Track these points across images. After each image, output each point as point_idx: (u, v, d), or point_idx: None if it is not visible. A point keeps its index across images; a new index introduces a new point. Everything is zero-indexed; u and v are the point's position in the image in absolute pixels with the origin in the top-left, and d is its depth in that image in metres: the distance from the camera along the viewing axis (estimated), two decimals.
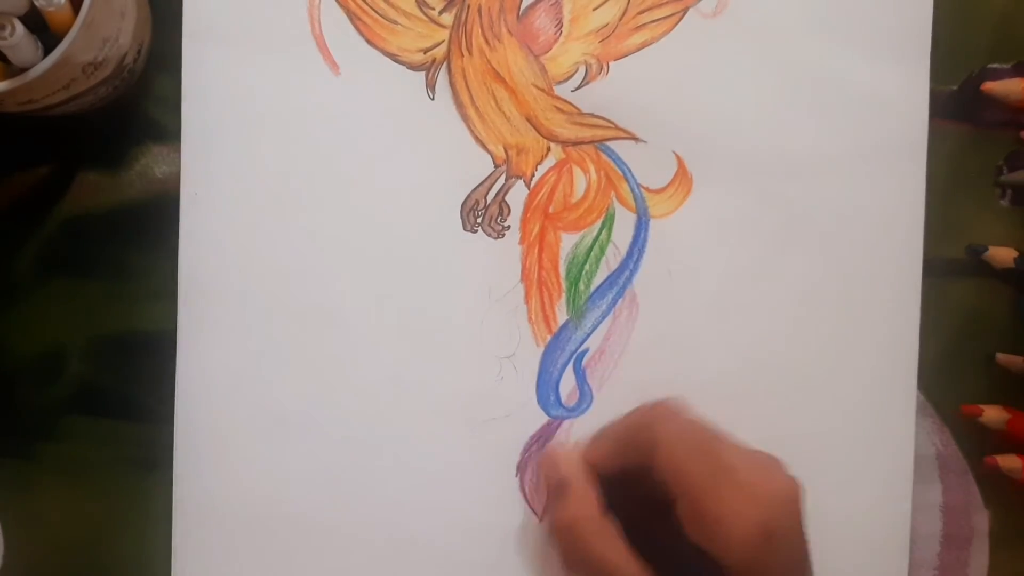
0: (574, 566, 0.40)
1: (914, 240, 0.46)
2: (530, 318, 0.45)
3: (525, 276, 0.45)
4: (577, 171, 0.45)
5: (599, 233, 0.45)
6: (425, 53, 0.45)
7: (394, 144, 0.45)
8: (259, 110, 0.44)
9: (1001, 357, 0.46)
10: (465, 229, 0.45)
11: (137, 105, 0.45)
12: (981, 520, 0.47)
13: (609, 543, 0.39)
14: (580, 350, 0.45)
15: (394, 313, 0.45)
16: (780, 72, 0.45)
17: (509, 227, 0.45)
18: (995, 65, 0.47)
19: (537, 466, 0.45)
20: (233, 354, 0.44)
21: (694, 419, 0.40)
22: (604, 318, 0.45)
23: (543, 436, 0.45)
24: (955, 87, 0.47)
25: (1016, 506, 0.46)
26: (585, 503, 0.40)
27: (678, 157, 0.45)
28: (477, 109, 0.45)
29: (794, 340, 0.45)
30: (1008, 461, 0.45)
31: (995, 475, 0.46)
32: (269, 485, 0.44)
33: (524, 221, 0.45)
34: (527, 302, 0.45)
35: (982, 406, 0.46)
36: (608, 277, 0.45)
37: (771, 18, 0.45)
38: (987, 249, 0.46)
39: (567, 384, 0.45)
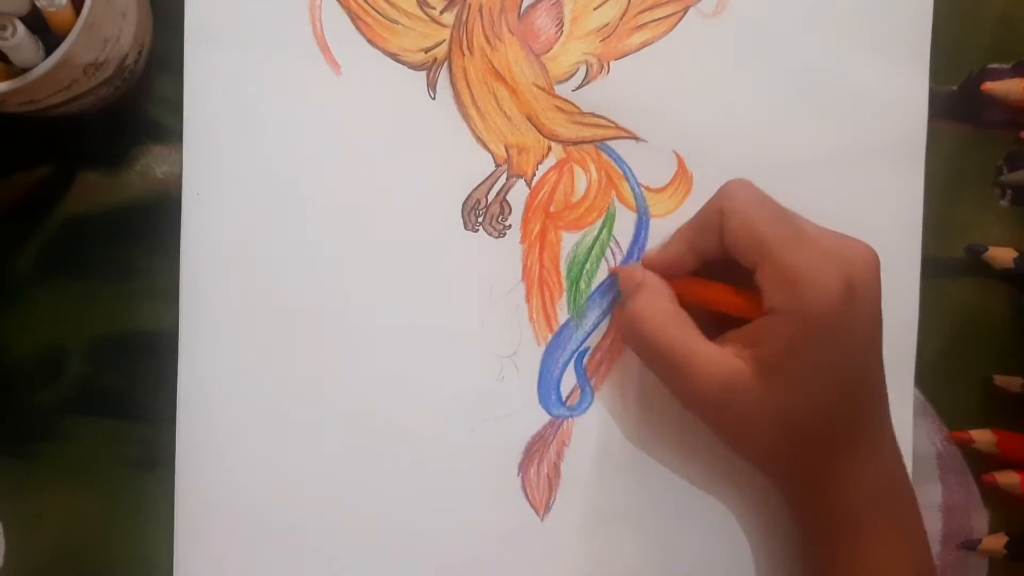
0: (649, 357, 0.40)
1: (913, 240, 0.46)
2: (531, 317, 0.45)
3: (526, 275, 0.45)
4: (578, 170, 0.45)
5: (600, 232, 0.45)
6: (426, 53, 0.45)
7: (395, 144, 0.45)
8: (260, 110, 0.44)
9: (999, 379, 0.46)
10: (466, 228, 0.45)
11: (138, 106, 0.45)
12: (981, 520, 0.46)
13: (683, 330, 0.39)
14: (581, 349, 0.45)
15: (395, 312, 0.45)
16: (780, 72, 0.45)
17: (510, 226, 0.45)
18: (995, 65, 0.47)
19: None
20: (234, 354, 0.44)
21: (766, 194, 0.40)
22: (605, 317, 0.45)
23: (544, 435, 0.45)
24: (955, 87, 0.47)
25: (1016, 506, 0.46)
26: (658, 296, 0.40)
27: (678, 156, 0.45)
28: (478, 108, 0.45)
29: None
30: (1006, 477, 0.45)
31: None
32: (270, 484, 0.44)
33: (525, 220, 0.45)
34: (528, 301, 0.45)
35: (971, 432, 0.46)
36: (608, 276, 0.45)
37: (771, 18, 0.45)
38: (987, 249, 0.46)
39: (568, 383, 0.45)
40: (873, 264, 0.39)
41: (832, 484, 0.39)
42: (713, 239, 0.40)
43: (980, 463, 0.46)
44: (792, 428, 0.38)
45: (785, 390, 0.37)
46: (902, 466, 0.40)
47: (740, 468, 0.42)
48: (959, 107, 0.47)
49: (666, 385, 0.40)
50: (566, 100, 0.45)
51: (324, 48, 0.44)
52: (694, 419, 0.40)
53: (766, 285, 0.38)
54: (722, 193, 0.40)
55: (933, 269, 0.46)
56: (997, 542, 0.46)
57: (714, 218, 0.40)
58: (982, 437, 0.46)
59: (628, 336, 0.41)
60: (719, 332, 0.40)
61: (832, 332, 0.37)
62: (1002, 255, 0.46)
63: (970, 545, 0.46)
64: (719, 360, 0.38)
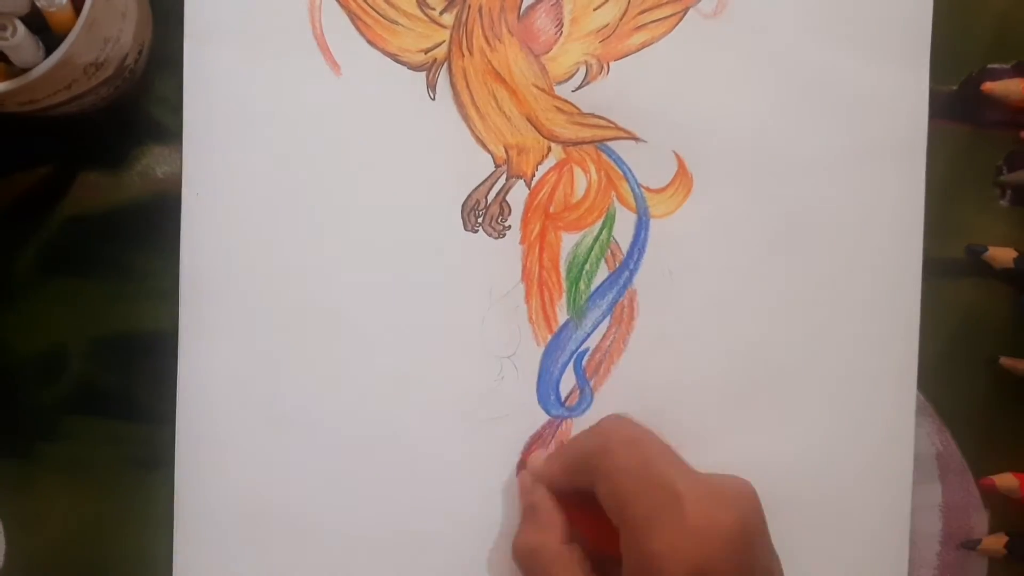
0: None
1: (914, 240, 0.46)
2: (531, 318, 0.45)
3: (526, 276, 0.45)
4: (577, 171, 0.45)
5: (599, 233, 0.45)
6: (426, 53, 0.45)
7: (395, 144, 0.45)
8: (260, 110, 0.44)
9: (1005, 361, 0.46)
10: (466, 229, 0.45)
11: (138, 105, 0.45)
12: (981, 520, 0.46)
13: (569, 573, 0.39)
14: (580, 349, 0.45)
15: (395, 313, 0.45)
16: (780, 72, 0.45)
17: (510, 227, 0.45)
18: (995, 65, 0.47)
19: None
20: (234, 354, 0.44)
21: (645, 445, 0.39)
22: (604, 318, 0.45)
23: (543, 436, 0.45)
24: (955, 87, 0.47)
25: (1015, 506, 0.46)
26: (549, 531, 0.40)
27: (678, 157, 0.45)
28: (478, 109, 0.45)
29: (794, 340, 0.45)
30: (1005, 481, 0.45)
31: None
32: (270, 484, 0.44)
33: (525, 221, 0.45)
34: (528, 302, 0.45)
35: (993, 478, 0.46)
36: (608, 277, 0.45)
37: (771, 18, 0.45)
38: (987, 249, 0.46)
39: (567, 384, 0.45)
40: (737, 542, 0.37)
41: None
42: (586, 482, 0.40)
43: (981, 449, 0.46)
44: None
45: None
46: None
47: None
48: (959, 107, 0.46)
49: None
50: (566, 101, 0.45)
51: (324, 48, 0.44)
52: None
53: (626, 555, 0.37)
54: (599, 446, 0.40)
55: (933, 269, 0.46)
56: (997, 542, 0.46)
57: (588, 467, 0.40)
58: (1006, 482, 0.46)
59: (521, 566, 0.41)
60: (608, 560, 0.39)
61: None
62: (1002, 255, 0.46)
63: (970, 545, 0.46)
64: None
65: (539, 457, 0.44)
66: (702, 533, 0.37)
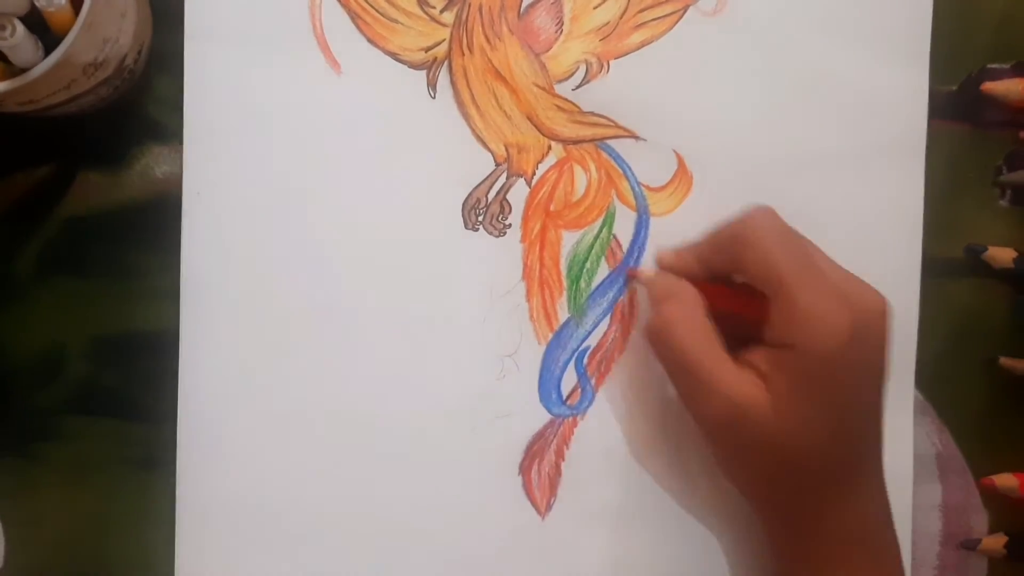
0: (672, 367, 0.40)
1: (913, 240, 0.46)
2: (531, 316, 0.45)
3: (526, 274, 0.45)
4: (578, 169, 0.45)
5: (600, 231, 0.45)
6: (426, 52, 0.45)
7: (395, 143, 0.45)
8: (260, 110, 0.44)
9: (1005, 361, 0.46)
10: (466, 227, 0.45)
11: (138, 105, 0.45)
12: (981, 520, 0.46)
13: (708, 346, 0.39)
14: (582, 348, 0.45)
15: (395, 312, 0.45)
16: (780, 71, 0.45)
17: (510, 225, 0.45)
18: (995, 65, 0.47)
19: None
20: (235, 353, 0.44)
21: (790, 227, 0.40)
22: (605, 316, 0.45)
23: (545, 435, 0.45)
24: (955, 87, 0.47)
25: (1015, 506, 0.46)
26: (689, 305, 0.40)
27: (678, 155, 0.45)
28: (478, 108, 0.45)
29: None
30: (1004, 480, 0.45)
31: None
32: (271, 484, 0.44)
33: (525, 219, 0.45)
34: (528, 300, 0.45)
35: (993, 478, 0.46)
36: (609, 275, 0.45)
37: (771, 17, 0.45)
38: (986, 249, 0.46)
39: (569, 382, 0.45)
40: (883, 312, 0.39)
41: (812, 516, 0.39)
42: (727, 261, 0.40)
43: (981, 449, 0.46)
44: (787, 461, 0.38)
45: (789, 424, 0.38)
46: (886, 510, 0.40)
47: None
48: (959, 107, 0.47)
49: (682, 396, 0.40)
50: (566, 99, 0.45)
51: (324, 47, 0.44)
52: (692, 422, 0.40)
53: (779, 319, 0.38)
54: (743, 221, 0.40)
55: (933, 269, 0.46)
56: (997, 542, 0.46)
57: (731, 243, 0.40)
58: (1005, 481, 0.46)
59: (657, 343, 0.40)
60: (745, 343, 0.39)
61: (834, 375, 0.37)
62: (1002, 255, 0.46)
63: (970, 545, 0.46)
64: (738, 385, 0.38)
65: (667, 252, 0.43)
66: (851, 300, 0.38)
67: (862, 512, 0.39)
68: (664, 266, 0.43)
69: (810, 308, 0.37)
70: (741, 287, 0.41)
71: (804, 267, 0.38)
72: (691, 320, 0.40)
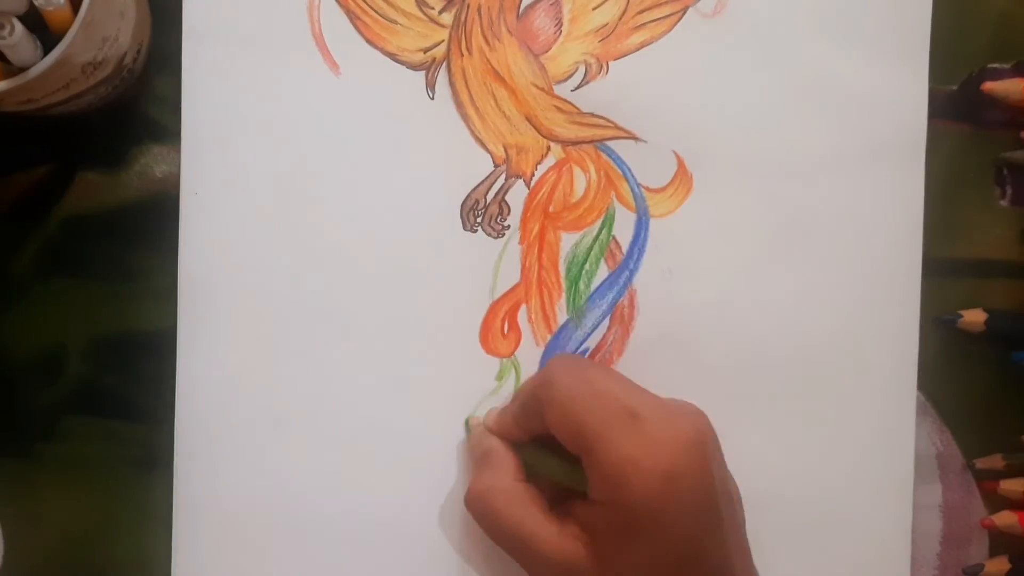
0: (493, 535, 0.40)
1: (913, 240, 0.46)
2: (530, 318, 0.45)
3: (525, 276, 0.45)
4: (577, 170, 0.45)
5: (599, 232, 0.45)
6: (425, 53, 0.45)
7: (394, 144, 0.44)
8: (259, 110, 0.44)
9: None
10: (465, 229, 0.45)
11: (137, 105, 0.45)
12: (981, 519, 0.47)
13: (525, 509, 0.39)
14: (580, 349, 0.45)
15: (394, 312, 0.45)
16: (780, 72, 0.45)
17: (509, 226, 0.45)
18: (995, 65, 0.47)
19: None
20: (233, 354, 0.44)
21: (590, 370, 0.39)
22: (604, 317, 0.45)
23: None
24: (955, 87, 0.47)
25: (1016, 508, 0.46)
26: (502, 471, 0.40)
27: (678, 156, 0.45)
28: (477, 109, 0.45)
29: (794, 340, 0.45)
30: (1005, 519, 0.45)
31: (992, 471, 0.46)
32: (269, 485, 0.44)
33: (524, 220, 0.45)
34: (527, 302, 0.45)
35: (993, 517, 0.46)
36: (608, 277, 0.45)
37: (771, 18, 0.45)
38: (961, 316, 0.46)
39: None
40: (697, 446, 0.37)
41: None
42: (537, 423, 0.40)
43: (981, 449, 0.46)
44: None
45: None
46: None
47: None
48: (959, 107, 0.46)
49: (515, 560, 0.40)
50: (565, 100, 0.45)
51: (323, 48, 0.44)
52: None
53: (591, 475, 0.37)
54: (542, 381, 0.40)
55: (933, 269, 0.46)
56: (1000, 566, 0.46)
57: (535, 404, 0.39)
58: (1004, 520, 0.46)
59: (473, 512, 0.40)
60: (566, 496, 0.39)
61: (653, 523, 0.36)
62: (974, 317, 0.46)
63: (972, 572, 0.46)
64: (558, 545, 0.38)
65: (489, 414, 0.43)
66: (664, 441, 0.37)
67: None
68: (489, 427, 0.42)
69: (617, 464, 0.36)
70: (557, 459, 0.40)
71: (608, 420, 0.37)
72: (503, 487, 0.40)
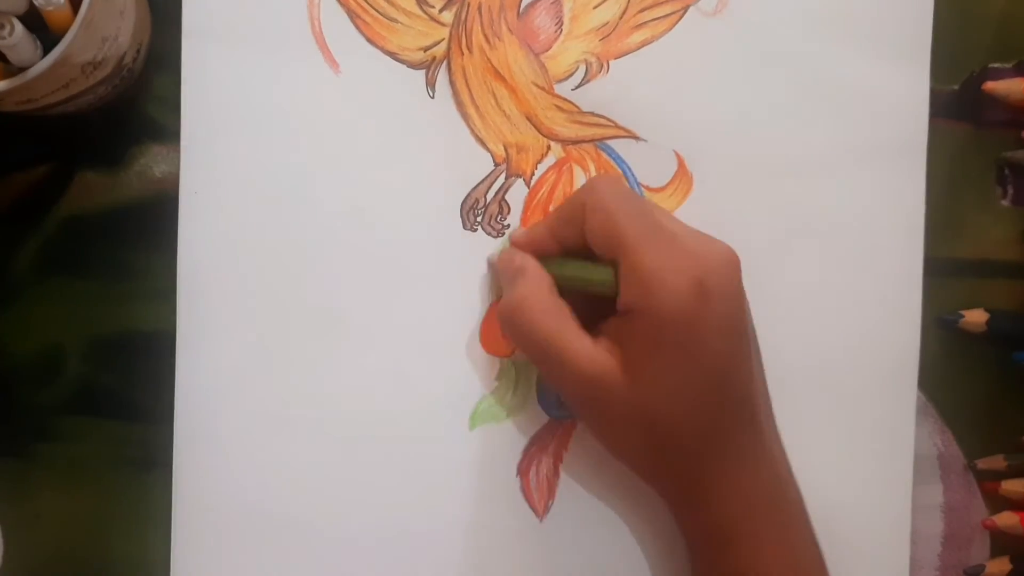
0: (525, 346, 0.40)
1: (915, 239, 0.46)
2: None
3: None
4: (577, 170, 0.45)
5: None
6: (425, 51, 0.45)
7: (394, 143, 0.44)
8: (259, 109, 0.44)
9: None
10: (465, 228, 0.45)
11: (136, 105, 0.45)
12: (981, 520, 0.46)
13: (559, 320, 0.39)
14: None
15: (394, 312, 0.44)
16: (780, 71, 0.45)
17: (509, 226, 0.45)
18: (996, 65, 0.47)
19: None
20: (233, 354, 0.44)
21: (628, 188, 0.40)
22: None
23: (543, 437, 0.45)
24: (956, 87, 0.47)
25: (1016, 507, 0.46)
26: (537, 284, 0.40)
27: (678, 156, 0.45)
28: (477, 108, 0.45)
29: (794, 340, 0.45)
30: (1006, 519, 0.45)
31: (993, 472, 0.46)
32: (268, 485, 0.44)
33: (524, 220, 0.45)
34: None
35: (995, 518, 0.46)
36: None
37: (771, 17, 0.45)
38: (963, 316, 0.46)
39: None
40: (730, 266, 0.38)
41: (706, 493, 0.38)
42: (575, 232, 0.40)
43: (982, 449, 0.46)
44: (654, 430, 0.38)
45: (647, 390, 0.37)
46: (784, 477, 0.40)
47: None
48: (960, 107, 0.46)
49: (544, 376, 0.40)
50: (565, 99, 0.45)
51: (323, 47, 0.44)
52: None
53: (624, 283, 0.38)
54: (586, 187, 0.40)
55: (934, 269, 0.46)
56: (1001, 567, 0.46)
57: (577, 211, 0.40)
58: (1005, 520, 0.46)
59: (507, 325, 0.40)
60: (599, 317, 0.39)
61: (684, 334, 0.37)
62: (975, 317, 0.46)
63: (974, 572, 0.46)
64: (591, 356, 0.38)
65: (520, 230, 0.43)
66: (699, 255, 0.38)
67: (755, 482, 0.39)
68: (517, 244, 0.42)
69: (652, 269, 0.37)
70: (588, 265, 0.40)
71: (647, 228, 0.38)
72: (539, 298, 0.39)
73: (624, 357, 0.38)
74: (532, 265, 0.41)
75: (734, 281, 0.38)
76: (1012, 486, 0.45)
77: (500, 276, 0.43)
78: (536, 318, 0.39)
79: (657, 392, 0.37)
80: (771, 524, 0.39)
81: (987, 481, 0.46)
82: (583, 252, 0.40)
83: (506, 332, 0.41)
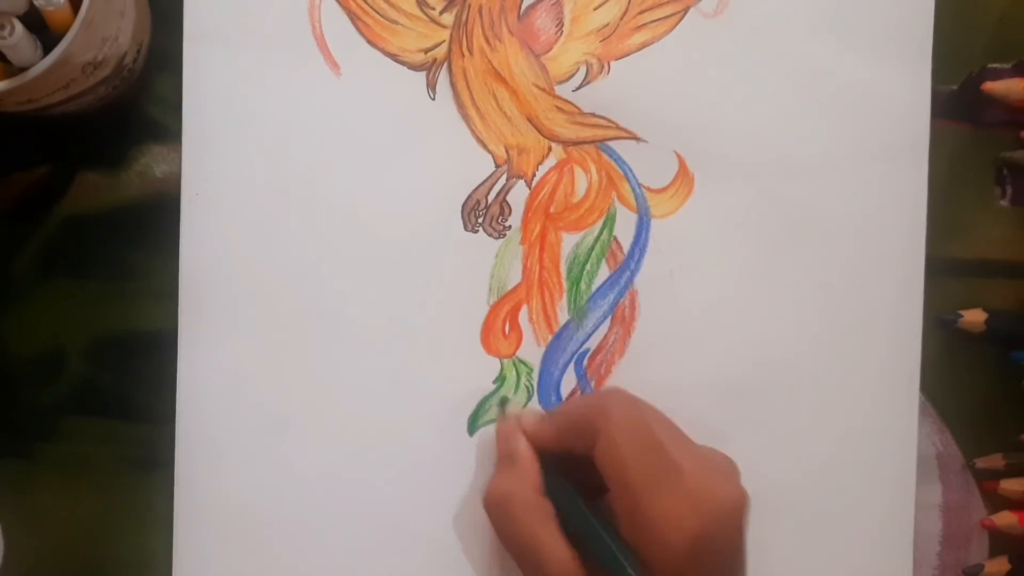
0: (505, 541, 0.40)
1: (915, 240, 0.46)
2: (531, 318, 0.45)
3: (526, 276, 0.45)
4: (578, 171, 0.45)
5: (600, 233, 0.45)
6: (426, 53, 0.45)
7: (395, 144, 0.44)
8: (260, 110, 0.44)
9: None
10: (466, 229, 0.45)
11: (137, 105, 0.45)
12: (980, 520, 0.47)
13: (542, 524, 0.39)
14: (581, 350, 0.45)
15: (395, 313, 0.45)
16: (781, 72, 0.45)
17: (510, 227, 0.45)
18: (996, 65, 0.47)
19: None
20: (234, 354, 0.44)
21: (645, 412, 0.39)
22: (605, 318, 0.45)
23: None
24: (956, 87, 0.47)
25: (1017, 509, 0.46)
26: (526, 480, 0.40)
27: (679, 157, 0.45)
28: (478, 109, 0.45)
29: (795, 340, 0.45)
30: (1004, 519, 0.46)
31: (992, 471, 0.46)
32: (269, 485, 0.44)
33: (525, 221, 0.45)
34: (528, 302, 0.45)
35: (993, 517, 0.46)
36: (609, 277, 0.45)
37: (772, 18, 0.45)
38: (961, 316, 0.46)
39: (568, 384, 0.45)
40: (734, 515, 0.38)
41: None
42: (581, 446, 0.39)
43: (981, 449, 0.46)
44: None
45: None
46: None
47: None
48: (960, 107, 0.46)
49: (520, 570, 0.40)
50: (566, 100, 0.45)
51: (323, 48, 0.44)
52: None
53: (625, 519, 0.37)
54: (600, 407, 0.39)
55: (933, 268, 0.46)
56: (1000, 567, 0.46)
57: (588, 430, 0.39)
58: (1004, 520, 0.46)
59: (491, 513, 0.41)
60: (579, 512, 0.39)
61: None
62: (974, 317, 0.46)
63: (972, 572, 0.46)
64: (567, 567, 0.38)
65: (529, 415, 0.43)
66: (702, 503, 0.37)
67: None
68: (526, 429, 0.42)
69: (655, 516, 0.36)
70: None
71: (654, 466, 0.37)
72: (525, 495, 0.39)
73: None
74: (526, 455, 0.41)
75: (734, 530, 0.38)
76: (1011, 485, 0.46)
77: (496, 446, 0.43)
78: (519, 516, 0.39)
79: None
80: None
81: (986, 480, 0.46)
82: (585, 460, 0.39)
83: (490, 517, 0.41)
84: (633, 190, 0.45)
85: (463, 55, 0.45)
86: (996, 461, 0.46)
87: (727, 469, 0.39)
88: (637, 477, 0.37)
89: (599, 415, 0.39)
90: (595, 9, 0.45)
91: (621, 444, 0.38)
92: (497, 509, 0.40)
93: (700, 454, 0.39)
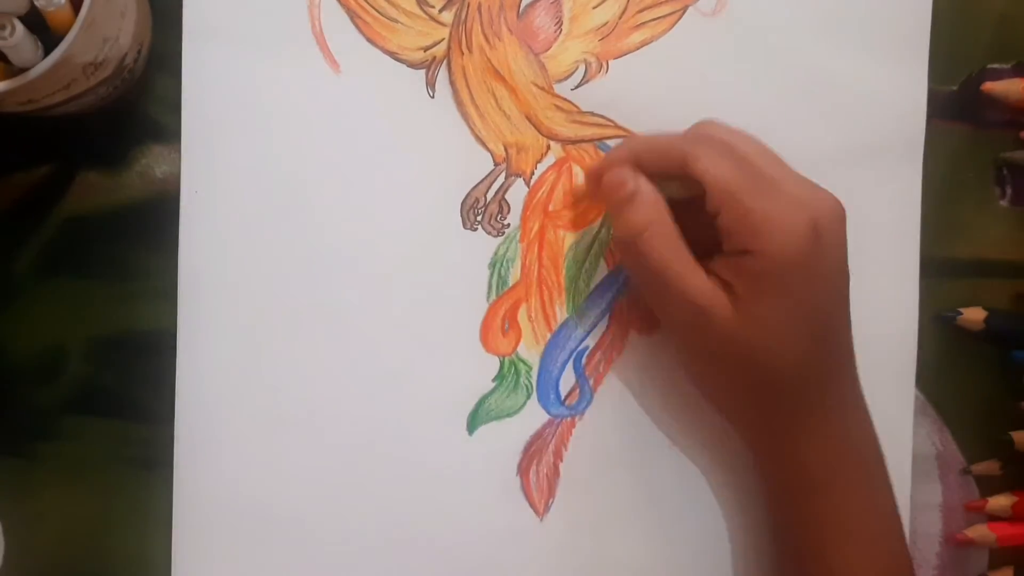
0: (642, 273, 0.40)
1: (911, 239, 0.46)
2: (530, 316, 0.45)
3: (525, 274, 0.45)
4: (577, 169, 0.45)
5: (599, 231, 0.45)
6: (425, 51, 0.45)
7: (394, 142, 0.45)
8: (259, 109, 0.44)
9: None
10: (465, 227, 0.45)
11: (137, 105, 0.45)
12: (980, 520, 0.46)
13: (678, 251, 0.39)
14: (580, 348, 0.45)
15: (394, 311, 0.45)
16: (779, 71, 0.45)
17: (509, 225, 0.45)
18: (995, 65, 0.47)
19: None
20: (233, 354, 0.44)
21: (739, 134, 0.40)
22: (604, 316, 0.45)
23: (543, 435, 0.45)
24: (955, 87, 0.47)
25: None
26: (659, 210, 0.39)
27: None
28: (477, 107, 0.45)
29: None
30: (977, 531, 0.46)
31: (988, 478, 0.46)
32: (269, 485, 0.44)
33: (524, 219, 0.45)
34: (527, 300, 0.45)
35: (968, 532, 0.46)
36: (608, 275, 0.45)
37: (770, 17, 0.45)
38: (960, 313, 0.46)
39: (567, 382, 0.45)
40: (839, 213, 0.39)
41: (796, 439, 0.39)
42: (671, 169, 0.39)
43: (981, 448, 0.46)
44: (755, 369, 0.38)
45: (754, 329, 0.38)
46: (870, 426, 0.40)
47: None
48: (959, 107, 0.47)
49: (650, 301, 0.40)
50: (565, 99, 0.45)
51: (323, 47, 0.44)
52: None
53: (734, 228, 0.38)
54: (690, 135, 0.40)
55: (933, 268, 0.46)
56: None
57: (677, 154, 0.39)
58: (979, 532, 0.46)
59: (626, 250, 0.40)
60: (701, 254, 0.39)
61: (798, 276, 0.37)
62: (973, 315, 0.46)
63: None
64: (704, 288, 0.38)
65: (623, 150, 0.42)
66: (808, 200, 0.38)
67: (846, 431, 0.39)
68: (623, 161, 0.41)
69: (765, 214, 0.37)
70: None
71: (754, 177, 0.38)
72: (661, 226, 0.39)
73: (734, 295, 0.38)
74: (648, 189, 0.40)
75: (842, 229, 0.39)
76: (998, 502, 0.46)
77: (606, 195, 0.41)
78: (657, 244, 0.39)
79: (765, 331, 0.38)
80: (860, 473, 0.39)
81: (981, 486, 0.46)
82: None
83: (620, 255, 0.41)
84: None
85: (462, 53, 0.45)
86: (992, 467, 0.46)
87: (822, 189, 0.40)
88: (740, 188, 0.37)
89: (689, 142, 0.39)
90: (594, 8, 0.45)
91: (718, 162, 0.38)
92: (636, 242, 0.39)
93: (795, 172, 0.40)
